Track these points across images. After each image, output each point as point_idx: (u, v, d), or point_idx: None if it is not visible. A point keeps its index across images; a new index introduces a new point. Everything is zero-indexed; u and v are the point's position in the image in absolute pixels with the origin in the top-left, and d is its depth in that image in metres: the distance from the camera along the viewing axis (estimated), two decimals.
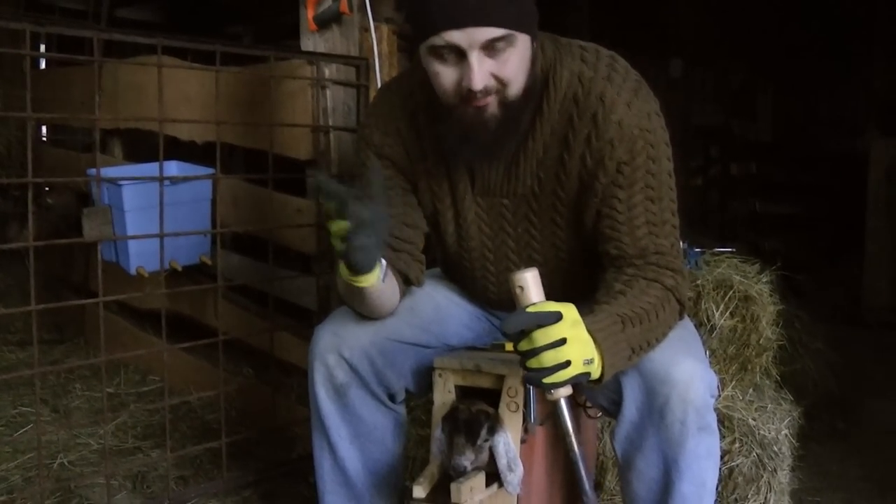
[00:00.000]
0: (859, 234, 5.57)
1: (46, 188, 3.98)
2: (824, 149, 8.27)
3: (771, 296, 2.59)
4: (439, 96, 1.58)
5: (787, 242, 6.67)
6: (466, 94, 1.51)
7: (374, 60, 2.58)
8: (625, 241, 1.62)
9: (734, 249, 2.76)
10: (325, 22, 2.59)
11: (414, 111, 1.74)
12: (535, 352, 1.38)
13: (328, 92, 2.60)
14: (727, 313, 2.52)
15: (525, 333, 1.40)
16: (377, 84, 2.59)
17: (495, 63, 1.50)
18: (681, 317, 1.66)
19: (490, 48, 1.48)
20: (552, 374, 1.38)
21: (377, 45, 2.57)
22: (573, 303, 1.87)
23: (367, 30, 2.56)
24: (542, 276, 1.78)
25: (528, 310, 1.39)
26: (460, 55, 1.49)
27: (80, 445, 2.78)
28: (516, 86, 1.54)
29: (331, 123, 2.60)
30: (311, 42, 2.65)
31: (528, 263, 1.78)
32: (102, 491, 2.42)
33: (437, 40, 1.48)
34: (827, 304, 5.09)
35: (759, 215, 7.96)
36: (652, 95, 1.64)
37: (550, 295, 1.83)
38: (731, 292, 2.52)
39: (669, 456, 1.58)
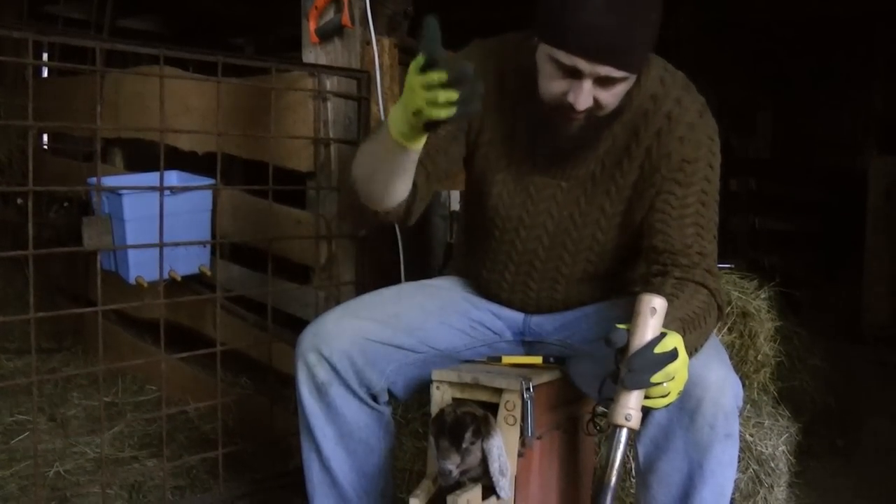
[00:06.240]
0: (858, 251, 5.57)
1: (48, 197, 3.98)
2: (824, 165, 8.27)
3: (769, 312, 2.59)
4: (540, 92, 1.64)
5: (786, 258, 6.67)
6: (567, 106, 1.60)
7: (375, 73, 2.59)
8: (673, 236, 1.68)
9: (732, 266, 2.76)
10: (327, 34, 2.60)
11: (503, 72, 1.78)
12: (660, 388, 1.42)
13: (329, 104, 2.60)
14: (725, 329, 2.52)
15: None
16: (378, 97, 2.60)
17: (602, 91, 1.60)
18: (717, 321, 1.69)
19: (604, 81, 1.58)
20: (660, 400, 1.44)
21: (378, 57, 2.58)
22: (591, 296, 1.87)
23: (369, 43, 2.58)
24: (566, 265, 1.83)
25: (656, 351, 1.40)
26: (576, 74, 1.57)
27: (76, 454, 2.78)
28: (610, 109, 1.65)
29: (331, 135, 2.61)
30: (312, 54, 2.66)
31: (558, 250, 1.81)
32: (98, 500, 2.41)
33: (563, 58, 1.56)
34: (825, 320, 5.07)
35: (758, 231, 7.96)
36: (714, 121, 1.76)
37: (570, 286, 1.85)
38: (729, 308, 2.52)
39: (695, 459, 1.59)
